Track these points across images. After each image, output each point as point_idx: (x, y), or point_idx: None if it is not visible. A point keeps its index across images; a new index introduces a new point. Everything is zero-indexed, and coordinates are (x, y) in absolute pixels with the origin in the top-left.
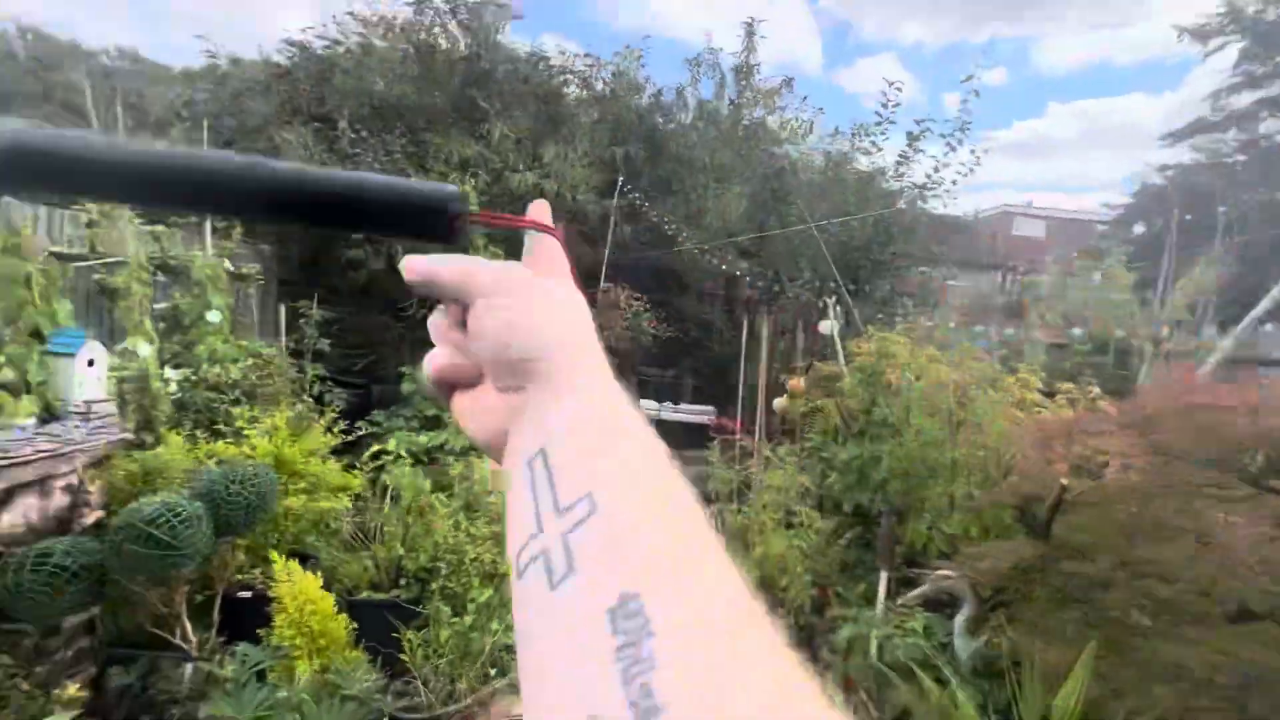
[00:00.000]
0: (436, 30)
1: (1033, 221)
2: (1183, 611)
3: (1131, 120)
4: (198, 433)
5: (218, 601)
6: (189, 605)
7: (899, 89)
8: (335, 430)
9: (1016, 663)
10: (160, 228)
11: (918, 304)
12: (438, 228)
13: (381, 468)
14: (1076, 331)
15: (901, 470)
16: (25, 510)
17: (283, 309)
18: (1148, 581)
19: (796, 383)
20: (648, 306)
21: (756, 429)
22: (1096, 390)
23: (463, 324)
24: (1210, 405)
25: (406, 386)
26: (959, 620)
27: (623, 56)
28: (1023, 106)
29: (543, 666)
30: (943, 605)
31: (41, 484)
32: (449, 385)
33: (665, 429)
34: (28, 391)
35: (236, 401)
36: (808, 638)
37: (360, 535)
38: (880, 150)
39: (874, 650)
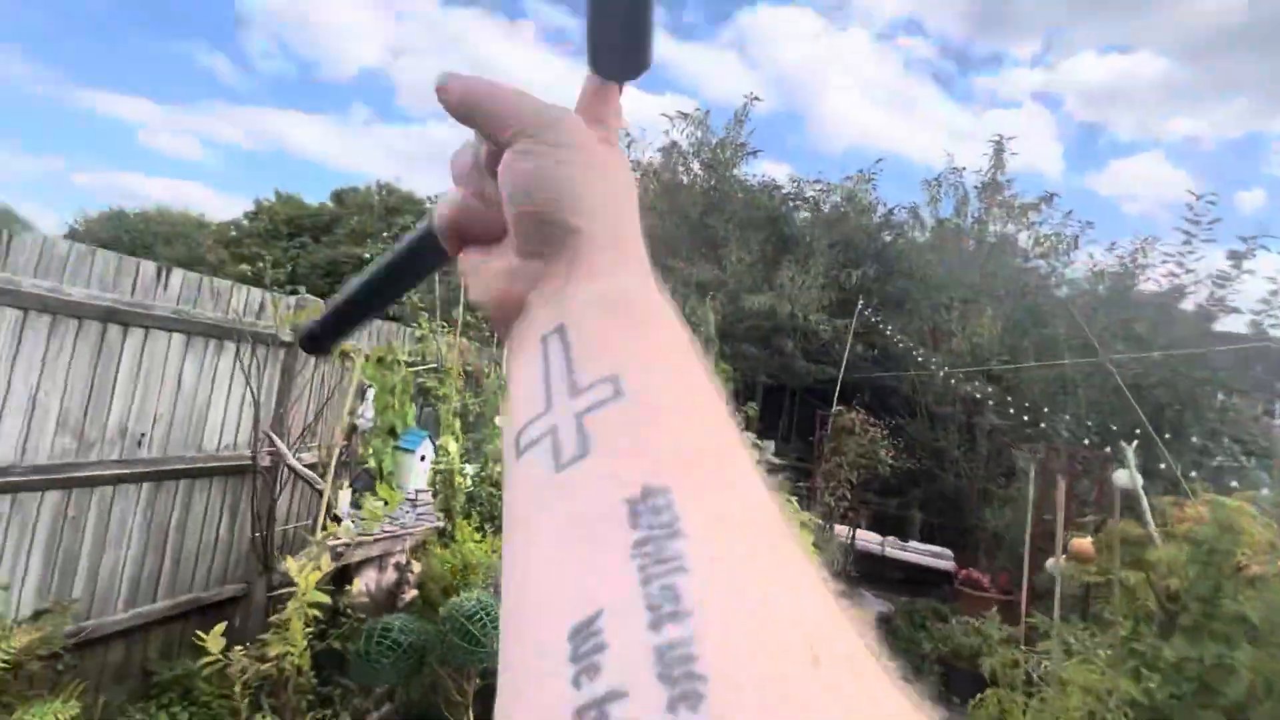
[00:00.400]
0: (680, 168)
1: None
2: None
3: None
4: (485, 526)
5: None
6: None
7: (1212, 202)
8: None
9: None
10: (462, 340)
11: (1251, 454)
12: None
13: None
14: None
15: (1271, 687)
16: (366, 581)
17: None
18: None
19: (1085, 544)
20: (886, 433)
21: (1023, 593)
22: None
23: (494, 164)
24: None
25: None
26: None
27: (854, 180)
28: None
29: (534, 555)
30: None
31: (380, 560)
32: (459, 235)
33: (886, 566)
34: (381, 479)
35: None
36: None
37: None
38: (1191, 270)
39: None
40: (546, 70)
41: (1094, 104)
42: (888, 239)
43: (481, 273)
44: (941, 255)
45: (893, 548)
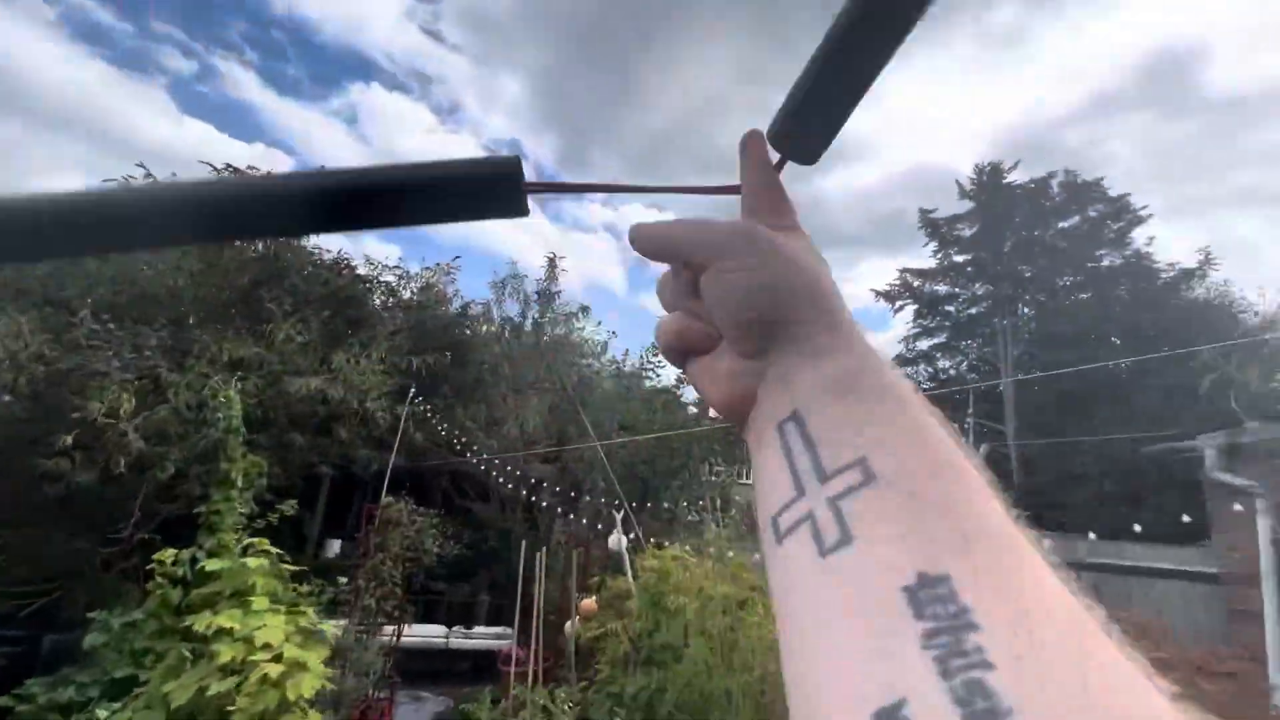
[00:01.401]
0: None
1: None
2: None
3: None
4: None
5: None
6: None
7: None
8: None
9: None
10: None
11: (703, 513)
12: (512, 200)
13: None
14: None
15: (684, 702)
16: None
17: None
18: None
19: (590, 604)
20: (435, 521)
21: (533, 662)
22: None
23: (695, 288)
24: None
25: (94, 637)
26: None
27: (432, 271)
28: None
29: (820, 643)
30: None
31: None
32: (683, 352)
33: (455, 659)
34: None
35: None
36: None
37: None
38: (664, 370)
39: None
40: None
41: None
42: (466, 331)
43: (710, 378)
44: (506, 350)
45: (458, 638)
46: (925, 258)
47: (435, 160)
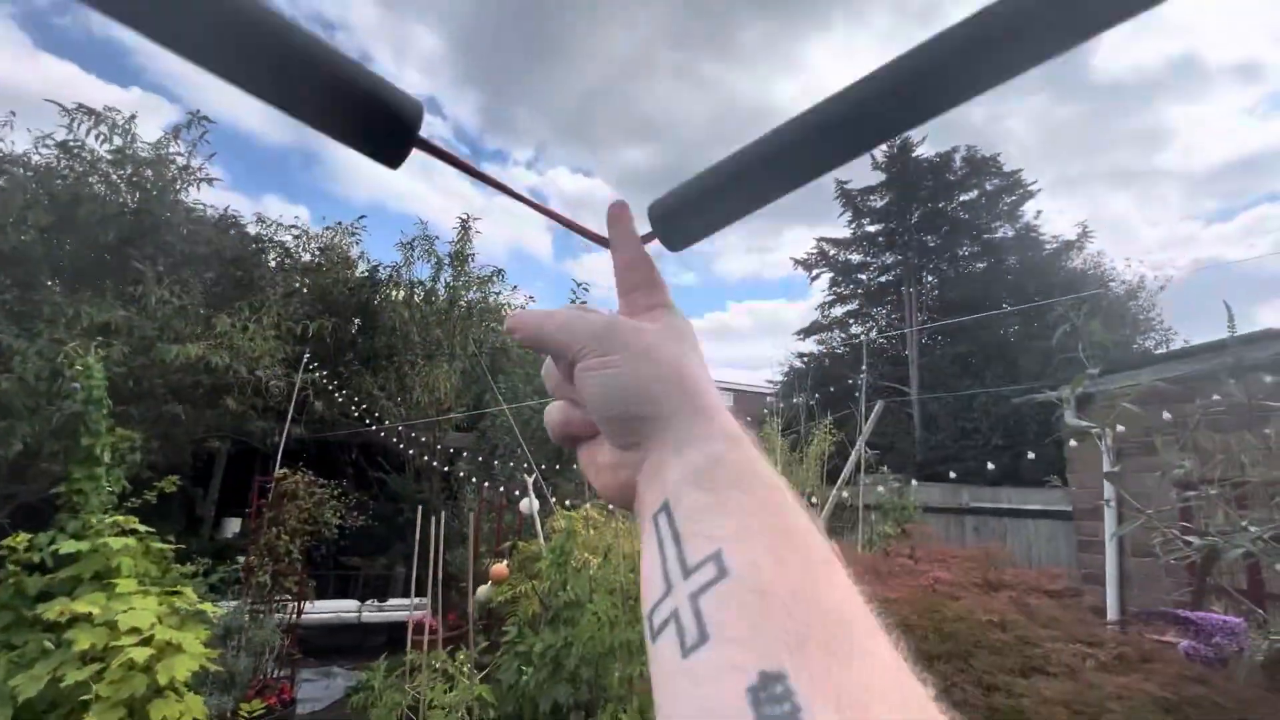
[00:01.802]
0: (93, 180)
1: (723, 394)
2: None
3: (781, 319)
4: None
5: None
6: None
7: (587, 289)
8: None
9: None
10: None
11: None
12: (391, 144)
13: None
14: None
15: (590, 655)
16: None
17: None
18: None
19: (500, 568)
20: (337, 492)
21: (439, 630)
22: None
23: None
24: None
25: None
26: None
27: (334, 231)
28: (710, 302)
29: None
30: None
31: None
32: (570, 438)
33: (369, 633)
34: None
35: None
36: None
37: None
38: None
39: None
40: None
41: (569, 208)
42: (376, 296)
43: (594, 469)
44: (415, 315)
45: (371, 611)
46: (841, 227)
47: (349, 59)
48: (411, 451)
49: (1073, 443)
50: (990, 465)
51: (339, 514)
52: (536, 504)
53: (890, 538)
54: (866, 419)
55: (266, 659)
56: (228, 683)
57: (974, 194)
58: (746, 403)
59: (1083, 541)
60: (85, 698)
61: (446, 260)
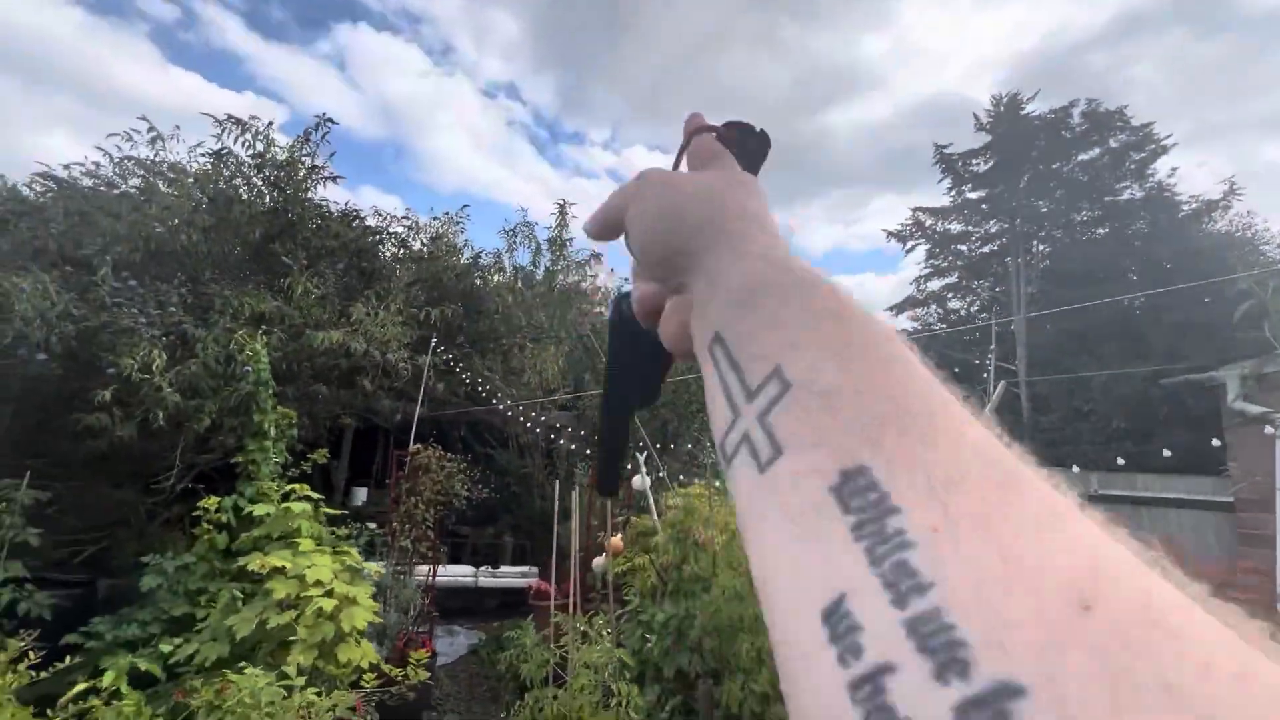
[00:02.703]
0: (238, 182)
1: None
2: None
3: (870, 293)
4: None
5: None
6: None
7: None
8: (21, 667)
9: None
10: None
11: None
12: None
13: (88, 710)
14: None
15: (714, 627)
16: None
17: None
18: None
19: (616, 541)
20: (463, 466)
21: (572, 595)
22: None
23: None
24: None
25: (149, 580)
26: None
27: (441, 221)
28: None
29: (768, 559)
30: None
31: None
32: (653, 313)
33: (483, 596)
34: None
35: None
36: None
37: None
38: None
39: None
40: None
41: None
42: (477, 281)
43: (663, 326)
44: (519, 299)
45: (486, 577)
46: (939, 195)
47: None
48: (517, 430)
49: (1238, 427)
50: (1117, 454)
51: (466, 486)
52: (649, 481)
53: None
54: (988, 398)
55: (409, 616)
56: (380, 634)
57: (1095, 153)
58: None
59: (1246, 535)
60: (289, 639)
61: (545, 245)
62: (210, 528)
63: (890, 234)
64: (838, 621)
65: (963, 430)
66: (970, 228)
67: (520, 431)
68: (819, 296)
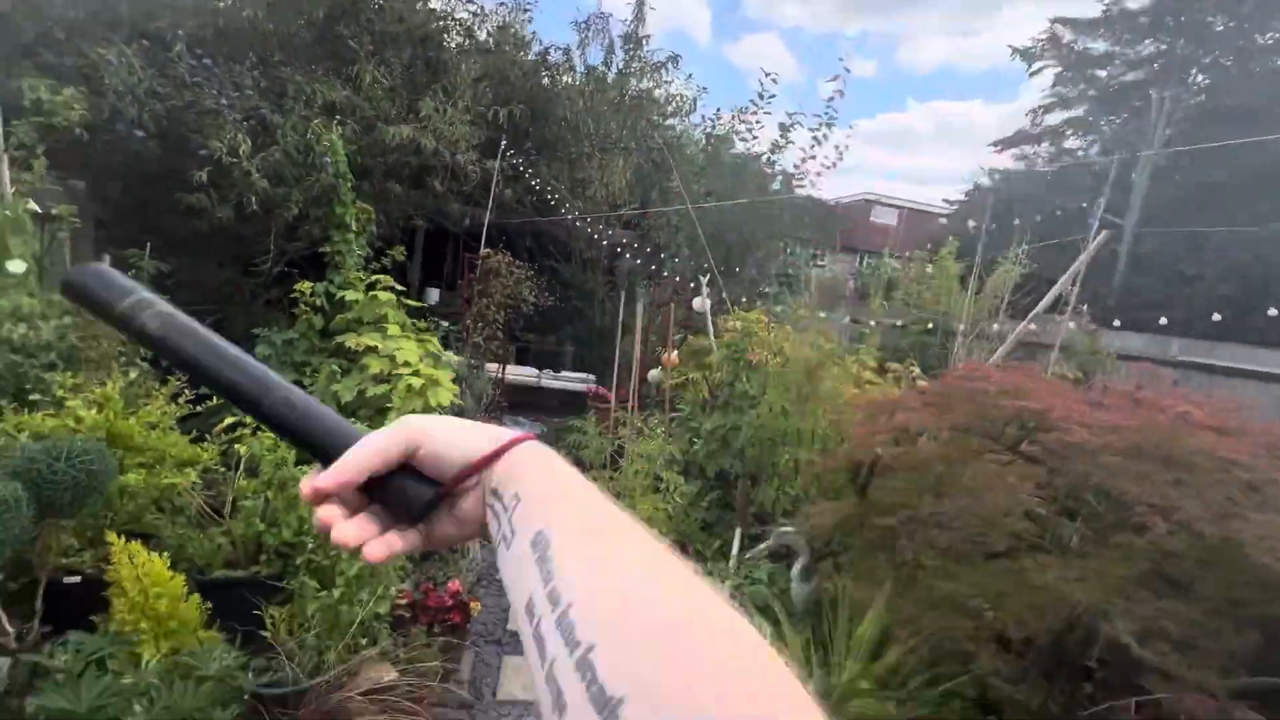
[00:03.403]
0: None
1: (888, 210)
2: (955, 554)
3: (974, 125)
4: (2, 402)
5: (40, 589)
6: (2, 594)
7: (775, 80)
8: (180, 400)
9: (834, 603)
10: None
11: (782, 284)
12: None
13: (237, 439)
14: (898, 323)
15: (757, 438)
16: None
17: (106, 260)
18: (933, 531)
19: (670, 357)
20: (530, 274)
21: (630, 399)
22: (917, 370)
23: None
24: (984, 389)
25: (262, 350)
26: (795, 568)
27: (508, 9)
28: (886, 99)
29: (511, 587)
30: (784, 557)
31: None
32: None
33: (544, 395)
34: None
35: (52, 366)
36: None
37: (211, 511)
38: (756, 138)
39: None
40: None
41: None
42: (545, 80)
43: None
44: (589, 103)
45: (548, 379)
46: (1086, 3)
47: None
48: (584, 240)
49: None
50: (1213, 321)
51: (532, 293)
52: (709, 303)
53: (1071, 382)
54: (1085, 247)
55: (483, 403)
56: (458, 415)
57: None
58: (915, 223)
59: None
60: (385, 407)
61: (618, 42)
62: (307, 309)
63: (1016, 50)
64: (530, 614)
65: (593, 506)
66: (1117, 48)
67: (584, 246)
68: (547, 458)
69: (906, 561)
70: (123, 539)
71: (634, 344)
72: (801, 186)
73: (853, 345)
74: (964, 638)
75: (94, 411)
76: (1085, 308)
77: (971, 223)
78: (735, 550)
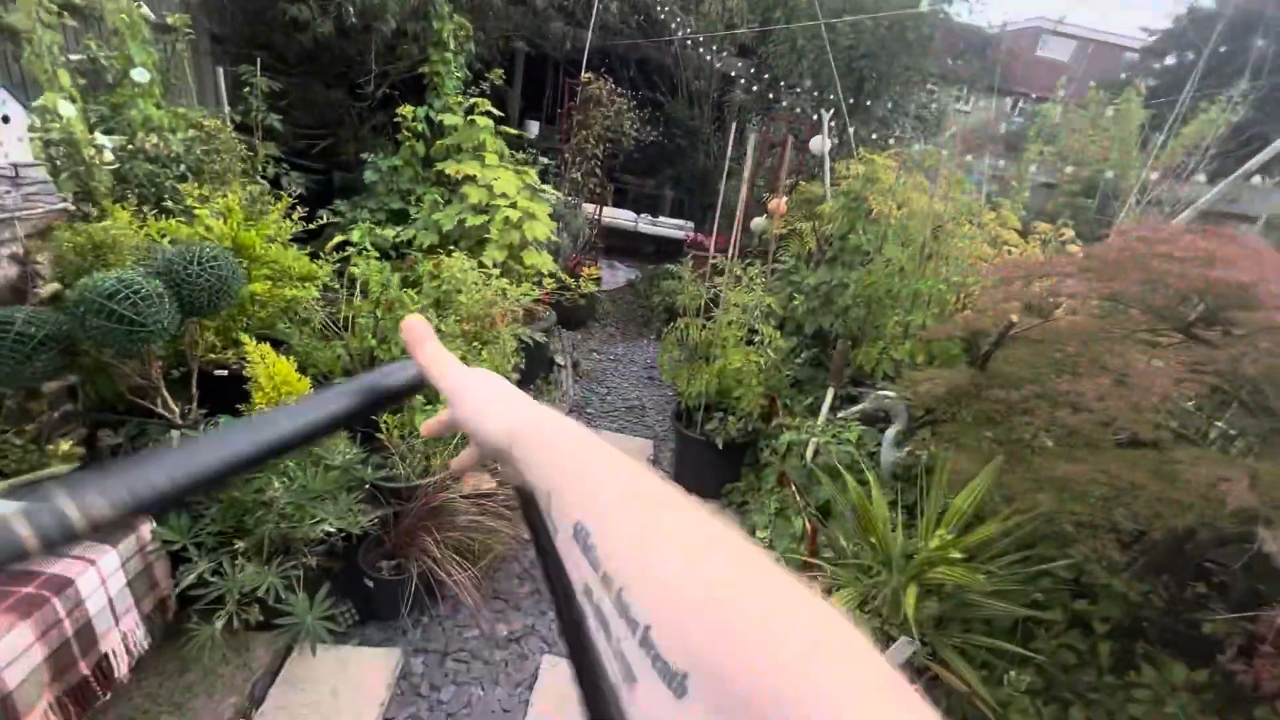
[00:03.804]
0: None
1: (1062, 41)
2: (1081, 438)
3: None
4: (144, 208)
5: (194, 377)
6: (166, 380)
7: None
8: (295, 217)
9: (930, 471)
10: None
11: (918, 126)
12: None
13: (347, 259)
14: (1069, 169)
15: (865, 297)
16: None
17: (221, 73)
18: (1061, 411)
19: (777, 203)
20: (633, 105)
21: (731, 247)
22: (1070, 233)
23: None
24: (1167, 254)
25: (369, 175)
26: (889, 433)
27: None
28: None
29: (569, 572)
30: (878, 421)
31: None
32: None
33: (641, 240)
34: None
35: (183, 177)
36: (752, 440)
37: (330, 325)
38: None
39: (809, 454)
40: None
41: None
42: None
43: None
44: None
45: (645, 224)
46: None
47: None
48: (688, 75)
49: None
50: None
51: (635, 126)
52: (829, 144)
53: None
54: None
55: (579, 243)
56: (555, 252)
57: None
58: (1097, 59)
59: None
60: (484, 237)
61: None
62: (410, 135)
63: None
64: (588, 595)
65: (617, 474)
66: None
67: (691, 77)
68: (558, 438)
69: (1023, 440)
70: (255, 341)
71: (740, 188)
72: (952, 6)
73: (993, 200)
74: (1071, 524)
75: (220, 222)
76: None
77: (1171, 58)
78: (825, 409)
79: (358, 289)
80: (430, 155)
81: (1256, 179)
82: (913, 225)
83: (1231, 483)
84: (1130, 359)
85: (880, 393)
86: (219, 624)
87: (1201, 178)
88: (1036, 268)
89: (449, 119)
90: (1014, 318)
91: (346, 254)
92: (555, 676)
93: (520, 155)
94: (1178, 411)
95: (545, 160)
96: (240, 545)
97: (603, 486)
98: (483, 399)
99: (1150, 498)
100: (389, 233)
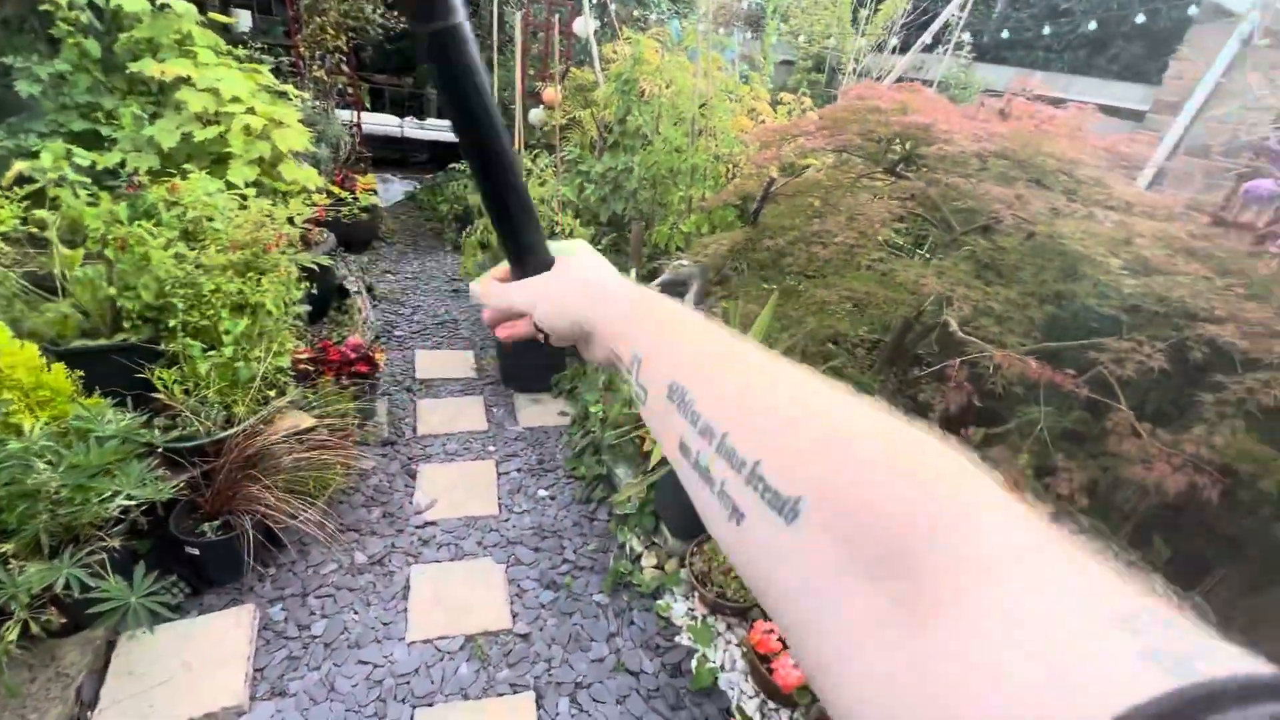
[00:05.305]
0: None
1: None
2: (833, 266)
3: None
4: None
5: None
6: None
7: None
8: None
9: (726, 320)
10: None
11: (673, 5)
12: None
13: (38, 194)
14: (802, 43)
15: (650, 177)
16: None
17: None
18: (815, 248)
19: (551, 93)
20: None
21: (515, 141)
22: (809, 102)
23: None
24: (875, 107)
25: (25, 86)
26: (688, 296)
27: None
28: None
29: (658, 433)
30: (678, 287)
31: None
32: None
33: (411, 147)
34: None
35: None
36: None
37: (39, 284)
38: None
39: None
40: None
41: None
42: None
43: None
44: None
45: (412, 128)
46: None
47: None
48: None
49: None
50: (1076, 58)
51: (379, 11)
52: (594, 25)
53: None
54: None
55: (341, 156)
56: (315, 166)
57: None
58: None
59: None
60: (224, 153)
61: None
62: (70, 28)
63: None
64: (684, 450)
65: (708, 339)
66: None
67: None
68: (646, 309)
69: (791, 273)
70: None
71: (513, 78)
72: None
73: (745, 76)
74: (828, 340)
75: None
76: (968, 40)
77: None
78: None
79: (54, 232)
80: (114, 57)
81: (938, 50)
82: (681, 102)
83: (928, 279)
84: (858, 199)
85: (676, 263)
86: (11, 634)
87: (895, 48)
88: (786, 129)
89: (130, 4)
90: (774, 174)
91: (38, 185)
92: (426, 581)
93: (241, 50)
94: (895, 236)
95: (272, 58)
96: (7, 548)
97: (700, 348)
98: (567, 289)
99: (879, 301)
100: (94, 155)
